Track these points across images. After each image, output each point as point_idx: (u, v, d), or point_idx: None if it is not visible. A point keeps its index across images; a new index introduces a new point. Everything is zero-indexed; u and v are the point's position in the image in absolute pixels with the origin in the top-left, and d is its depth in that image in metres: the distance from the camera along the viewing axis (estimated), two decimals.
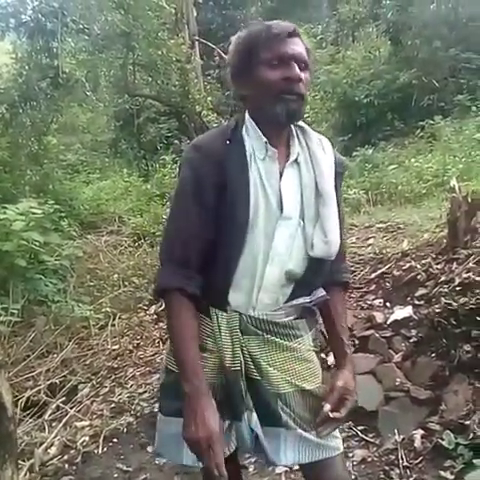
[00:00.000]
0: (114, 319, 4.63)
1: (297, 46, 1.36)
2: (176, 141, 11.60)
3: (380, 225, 5.01)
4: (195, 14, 12.04)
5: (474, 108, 8.93)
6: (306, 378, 1.44)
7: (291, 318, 1.43)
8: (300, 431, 1.40)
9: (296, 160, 1.41)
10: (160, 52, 9.55)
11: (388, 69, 10.76)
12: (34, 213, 4.76)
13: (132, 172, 11.58)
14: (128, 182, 10.56)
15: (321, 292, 1.46)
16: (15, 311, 3.96)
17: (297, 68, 1.33)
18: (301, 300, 1.42)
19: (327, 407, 1.39)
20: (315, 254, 1.38)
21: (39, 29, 8.99)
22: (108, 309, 4.77)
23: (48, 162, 9.35)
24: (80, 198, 9.04)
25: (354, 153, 8.77)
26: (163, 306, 4.34)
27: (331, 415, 1.38)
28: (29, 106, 9.04)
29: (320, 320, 1.55)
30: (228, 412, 1.40)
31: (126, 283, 5.45)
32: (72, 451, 2.91)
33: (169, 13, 10.34)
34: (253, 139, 1.38)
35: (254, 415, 1.38)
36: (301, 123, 1.47)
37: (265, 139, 1.37)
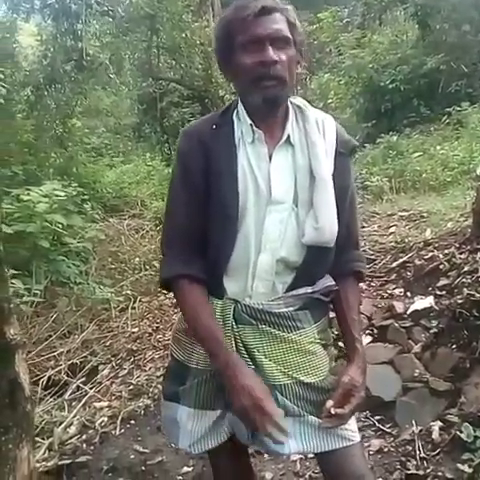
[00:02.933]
0: (134, 302, 4.65)
1: (271, 24, 1.26)
2: None
3: (403, 213, 4.95)
4: None
5: None
6: (306, 371, 1.37)
7: (291, 309, 1.36)
8: (300, 418, 1.34)
9: (290, 142, 1.34)
10: (184, 35, 9.51)
11: (415, 54, 10.48)
12: (57, 195, 4.79)
13: (155, 156, 11.59)
14: (151, 166, 10.57)
15: (327, 282, 1.40)
16: (38, 292, 4.00)
17: (270, 50, 1.24)
18: (302, 290, 1.36)
19: (329, 403, 1.33)
20: (306, 241, 1.31)
21: (64, 11, 8.96)
22: (129, 292, 4.80)
23: (72, 145, 9.36)
24: (103, 181, 9.05)
25: (378, 140, 8.63)
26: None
27: (333, 411, 1.32)
28: (54, 88, 9.07)
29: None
30: (220, 401, 1.37)
31: (147, 267, 5.47)
32: (90, 431, 2.95)
33: None
34: (242, 122, 1.35)
35: None
36: (300, 102, 1.40)
37: (250, 121, 1.33)
